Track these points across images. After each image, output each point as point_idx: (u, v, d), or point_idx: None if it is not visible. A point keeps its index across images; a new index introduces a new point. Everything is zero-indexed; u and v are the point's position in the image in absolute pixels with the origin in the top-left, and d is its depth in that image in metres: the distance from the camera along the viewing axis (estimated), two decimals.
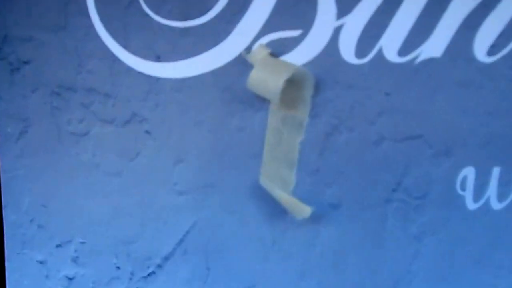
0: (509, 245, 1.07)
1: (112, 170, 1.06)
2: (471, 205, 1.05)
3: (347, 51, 1.01)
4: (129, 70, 1.03)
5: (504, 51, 0.97)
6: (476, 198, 1.04)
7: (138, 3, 1.01)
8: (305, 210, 1.01)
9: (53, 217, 1.07)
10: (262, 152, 1.05)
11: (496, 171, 1.03)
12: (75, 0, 1.02)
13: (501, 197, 1.03)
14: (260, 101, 1.03)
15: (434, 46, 0.99)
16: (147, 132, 1.05)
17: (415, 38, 0.99)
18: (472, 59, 0.99)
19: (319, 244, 1.08)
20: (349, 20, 0.99)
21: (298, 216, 1.03)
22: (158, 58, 1.03)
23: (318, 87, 1.02)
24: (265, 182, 1.05)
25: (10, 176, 1.05)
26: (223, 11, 1.00)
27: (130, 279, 1.08)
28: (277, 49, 1.01)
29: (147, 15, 1.01)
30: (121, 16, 1.01)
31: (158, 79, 1.03)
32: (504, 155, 1.02)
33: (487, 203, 1.04)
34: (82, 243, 1.08)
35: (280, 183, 1.05)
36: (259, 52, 1.01)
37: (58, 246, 1.08)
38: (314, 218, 1.05)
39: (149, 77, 1.04)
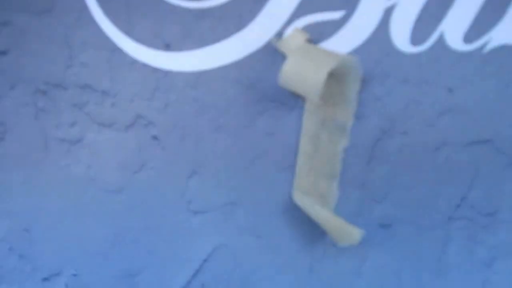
0: None
1: (111, 185, 0.88)
2: None
3: (401, 36, 0.84)
4: (132, 62, 0.85)
5: None
6: None
7: None
8: (353, 234, 0.83)
9: (38, 244, 0.88)
10: (296, 162, 0.86)
11: None
12: None
13: None
14: (293, 100, 0.86)
15: (508, 30, 0.82)
16: (155, 138, 0.87)
17: (484, 21, 0.82)
18: None
19: (366, 273, 0.90)
20: None
21: (343, 241, 0.85)
22: (167, 47, 0.85)
23: (365, 81, 0.84)
24: (300, 198, 0.87)
25: None
26: None
27: None
28: (315, 35, 0.84)
29: None
30: None
31: (167, 72, 0.86)
32: None
33: None
34: (74, 275, 0.89)
35: (318, 199, 0.87)
36: (294, 38, 0.83)
37: (44, 279, 0.88)
38: (360, 242, 0.87)
39: (156, 70, 0.86)
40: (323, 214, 0.86)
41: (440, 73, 0.84)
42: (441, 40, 0.83)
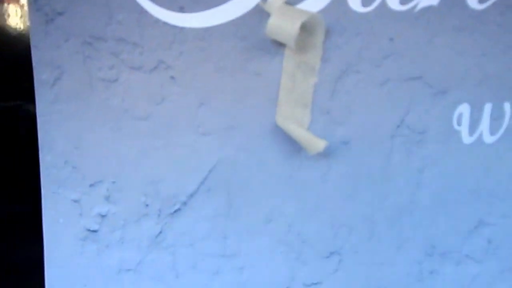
0: (501, 175, 1.20)
1: (140, 114, 1.15)
2: (466, 139, 1.17)
3: (355, 0, 1.12)
4: (155, 21, 1.12)
5: None
6: (471, 132, 1.17)
7: None
8: (319, 144, 1.12)
9: (86, 158, 1.15)
10: (278, 95, 1.15)
11: (488, 107, 1.16)
12: None
13: (492, 131, 1.16)
14: (276, 48, 1.14)
15: None
16: (172, 77, 1.14)
17: None
18: (465, 6, 1.12)
19: (331, 179, 1.19)
20: None
21: (312, 151, 1.14)
22: (182, 9, 1.12)
23: (328, 34, 1.13)
24: (282, 122, 1.16)
25: (45, 119, 1.13)
26: None
27: (158, 215, 1.18)
28: (291, 0, 1.12)
29: None
30: None
31: (182, 28, 1.13)
32: (495, 92, 1.15)
33: (480, 137, 1.17)
34: (113, 182, 1.16)
35: (295, 122, 1.16)
36: (276, 1, 1.12)
37: (91, 185, 1.16)
38: (326, 155, 1.17)
39: (173, 27, 1.13)
40: (298, 132, 1.15)
41: (384, 27, 1.13)
42: (383, 3, 1.12)
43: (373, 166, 1.19)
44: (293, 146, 1.17)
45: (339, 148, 1.18)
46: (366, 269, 1.22)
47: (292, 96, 1.17)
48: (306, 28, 1.11)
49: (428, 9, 1.13)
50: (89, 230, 1.17)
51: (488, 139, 1.18)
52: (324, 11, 1.13)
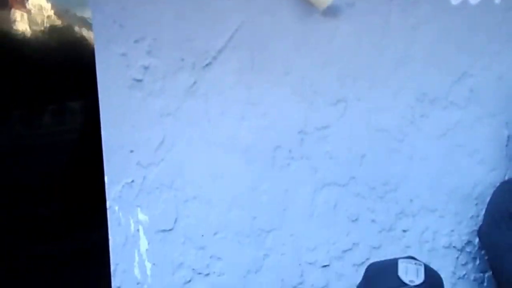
0: (482, 33, 1.41)
1: None
2: (454, 0, 1.38)
3: None
4: None
5: None
6: None
7: None
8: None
9: (131, 19, 1.35)
10: None
11: None
12: None
13: None
14: None
15: None
16: None
17: None
18: None
19: (338, 36, 1.41)
20: None
21: (321, 6, 1.34)
22: None
23: None
24: None
25: None
26: None
27: (192, 68, 1.39)
28: None
29: None
30: None
31: None
32: None
33: None
34: (154, 39, 1.37)
35: None
36: None
37: (135, 41, 1.36)
38: (334, 15, 1.37)
39: None
40: None
41: None
42: None
43: (375, 25, 1.40)
44: (306, 9, 1.37)
45: (345, 9, 1.39)
46: (368, 113, 1.45)
47: None
48: None
49: None
50: (135, 79, 1.38)
51: (473, 0, 1.38)
52: None
